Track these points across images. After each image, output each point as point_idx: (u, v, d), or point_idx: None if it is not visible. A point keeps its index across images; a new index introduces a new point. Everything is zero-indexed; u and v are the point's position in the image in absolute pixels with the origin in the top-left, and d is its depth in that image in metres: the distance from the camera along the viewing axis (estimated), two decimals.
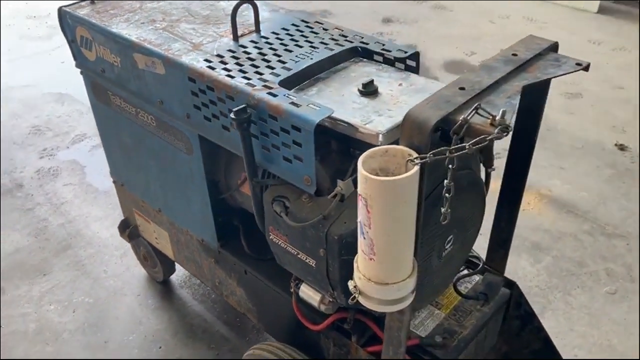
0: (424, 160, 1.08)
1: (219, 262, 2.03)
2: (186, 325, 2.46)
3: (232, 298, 2.09)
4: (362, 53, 1.68)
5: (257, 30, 1.77)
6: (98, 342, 2.40)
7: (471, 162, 1.51)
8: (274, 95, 1.42)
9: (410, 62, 1.62)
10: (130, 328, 2.46)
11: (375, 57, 1.67)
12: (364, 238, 1.15)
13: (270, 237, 1.56)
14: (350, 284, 1.25)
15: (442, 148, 1.08)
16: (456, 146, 1.08)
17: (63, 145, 3.67)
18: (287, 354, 1.72)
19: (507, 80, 1.24)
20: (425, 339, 1.61)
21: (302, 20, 1.84)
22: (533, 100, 1.47)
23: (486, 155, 1.59)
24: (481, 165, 1.56)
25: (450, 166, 1.10)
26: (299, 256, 1.50)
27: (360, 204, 1.10)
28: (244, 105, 1.42)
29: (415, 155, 1.09)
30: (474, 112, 1.11)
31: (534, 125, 1.52)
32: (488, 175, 1.66)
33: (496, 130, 1.07)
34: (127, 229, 2.43)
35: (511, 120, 1.10)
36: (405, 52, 1.63)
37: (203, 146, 1.73)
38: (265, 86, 1.47)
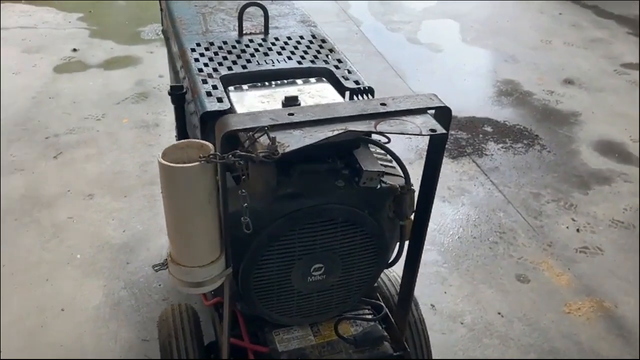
0: (205, 158, 1.18)
1: None
2: None
3: None
4: (329, 77, 1.75)
5: (266, 32, 1.95)
6: (122, 261, 2.84)
7: (361, 204, 1.50)
8: (204, 82, 1.61)
9: None
10: (154, 261, 2.84)
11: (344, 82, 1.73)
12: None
13: None
14: (164, 257, 1.40)
15: (228, 154, 1.17)
16: (225, 154, 1.16)
17: None
18: (188, 316, 1.89)
19: (339, 122, 1.24)
20: (274, 353, 1.65)
21: (313, 36, 1.96)
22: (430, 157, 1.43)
23: (397, 206, 1.57)
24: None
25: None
26: None
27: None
28: (181, 85, 1.64)
29: (204, 153, 1.20)
30: (262, 133, 1.17)
31: (431, 183, 1.46)
32: (402, 227, 1.63)
33: (262, 153, 1.13)
34: None
35: (289, 148, 1.14)
36: (358, 84, 1.67)
37: None
38: (209, 75, 1.66)
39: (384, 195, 1.55)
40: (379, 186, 1.52)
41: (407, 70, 4.83)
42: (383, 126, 1.24)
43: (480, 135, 3.97)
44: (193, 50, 1.81)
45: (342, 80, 1.70)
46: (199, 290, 1.37)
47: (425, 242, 2.91)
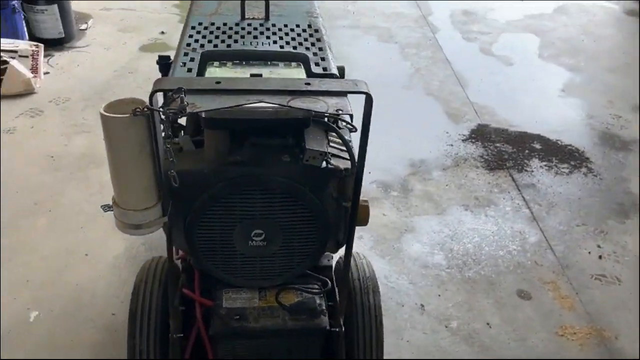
0: (134, 110, 1.35)
1: None
2: None
3: None
4: (305, 62, 1.87)
5: (267, 18, 2.10)
6: None
7: (303, 180, 1.61)
8: (185, 55, 1.79)
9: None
10: None
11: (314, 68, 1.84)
12: None
13: None
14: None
15: (150, 108, 1.34)
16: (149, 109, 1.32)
17: None
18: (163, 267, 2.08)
19: (258, 94, 1.36)
20: (217, 307, 1.80)
21: (309, 25, 2.08)
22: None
23: (340, 187, 1.67)
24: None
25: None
26: None
27: None
28: (168, 55, 1.83)
29: (135, 107, 1.37)
30: (180, 94, 1.32)
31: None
32: (346, 209, 1.72)
33: (172, 110, 1.28)
34: None
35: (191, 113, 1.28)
36: (325, 70, 1.78)
37: None
38: (193, 49, 1.84)
39: (328, 175, 1.64)
40: (323, 166, 1.62)
41: (471, 80, 4.78)
42: (296, 102, 1.35)
43: (526, 151, 3.87)
44: (193, 27, 2.00)
45: (313, 66, 1.81)
46: (137, 233, 1.55)
47: (435, 246, 2.96)
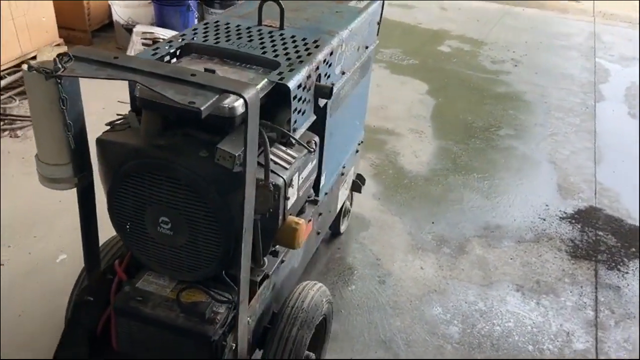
0: (28, 66, 1.46)
1: None
2: None
3: None
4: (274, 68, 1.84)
5: (281, 27, 2.10)
6: None
7: (211, 179, 1.61)
8: (168, 42, 1.89)
9: None
10: None
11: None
12: None
13: None
14: None
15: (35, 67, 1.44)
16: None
17: None
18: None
19: (138, 74, 1.38)
20: (126, 283, 1.84)
21: (314, 41, 2.03)
22: None
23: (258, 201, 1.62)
24: None
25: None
26: None
27: None
28: (171, 41, 1.94)
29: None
30: (68, 59, 1.39)
31: None
32: (256, 222, 1.66)
33: (45, 70, 1.37)
34: None
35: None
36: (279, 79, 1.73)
37: None
38: (182, 39, 1.93)
39: (238, 181, 1.60)
40: (234, 169, 1.58)
41: (609, 159, 4.16)
42: (163, 87, 1.35)
43: (632, 249, 3.24)
44: (206, 23, 2.09)
45: (276, 74, 1.77)
46: (52, 187, 1.67)
47: (458, 316, 2.64)
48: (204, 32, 2.01)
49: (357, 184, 2.97)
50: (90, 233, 1.81)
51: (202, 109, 1.29)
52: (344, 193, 2.80)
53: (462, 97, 4.99)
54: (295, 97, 1.77)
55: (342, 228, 3.12)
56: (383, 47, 5.85)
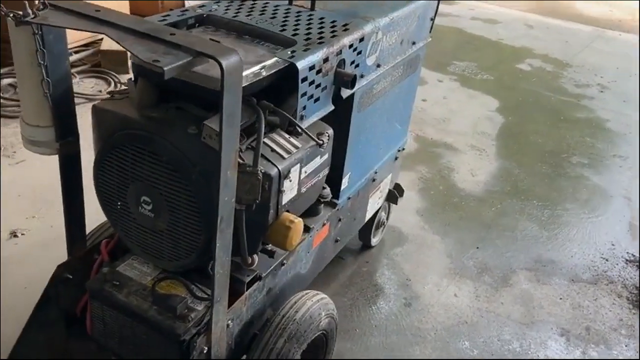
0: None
1: None
2: None
3: None
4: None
5: (312, 8, 1.92)
6: None
7: (196, 158, 1.45)
8: (182, 12, 1.75)
9: None
10: None
11: None
12: None
13: None
14: None
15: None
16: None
17: None
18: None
19: (114, 28, 1.23)
20: (107, 266, 1.70)
21: (344, 24, 1.83)
22: None
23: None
24: None
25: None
26: None
27: None
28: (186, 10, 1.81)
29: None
30: (44, 7, 1.27)
31: None
32: (240, 212, 1.49)
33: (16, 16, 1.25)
34: None
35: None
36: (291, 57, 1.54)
37: None
38: (199, 10, 1.79)
39: None
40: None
41: None
42: (132, 43, 1.18)
43: None
44: None
45: (288, 52, 1.59)
46: (33, 150, 1.56)
47: (486, 354, 2.33)
48: (227, 5, 1.86)
49: (393, 195, 2.72)
50: (72, 205, 1.69)
51: (165, 69, 1.12)
52: (376, 202, 2.56)
53: (535, 119, 4.60)
54: (305, 80, 1.58)
55: (374, 241, 2.87)
56: (457, 60, 5.55)
